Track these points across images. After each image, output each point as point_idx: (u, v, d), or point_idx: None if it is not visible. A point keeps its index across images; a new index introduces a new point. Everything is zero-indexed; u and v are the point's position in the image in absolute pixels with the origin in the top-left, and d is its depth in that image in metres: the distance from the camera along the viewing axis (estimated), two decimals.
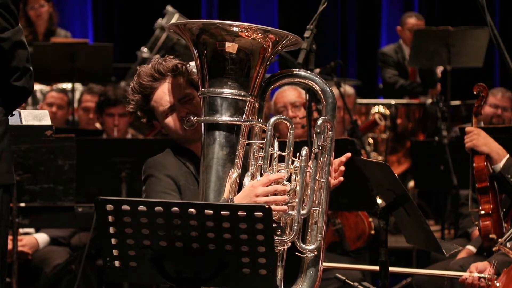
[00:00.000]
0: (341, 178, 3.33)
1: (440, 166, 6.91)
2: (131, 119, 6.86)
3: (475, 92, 4.60)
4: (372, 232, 5.76)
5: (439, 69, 9.35)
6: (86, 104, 7.37)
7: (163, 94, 3.44)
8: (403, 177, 8.47)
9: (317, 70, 6.05)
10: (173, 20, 8.37)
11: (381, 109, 8.83)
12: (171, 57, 3.52)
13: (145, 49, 8.36)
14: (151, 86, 3.45)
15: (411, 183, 8.25)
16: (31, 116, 4.46)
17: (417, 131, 9.06)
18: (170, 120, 3.45)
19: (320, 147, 3.19)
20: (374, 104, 8.99)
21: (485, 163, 4.58)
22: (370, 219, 5.71)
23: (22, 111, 4.47)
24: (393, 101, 8.97)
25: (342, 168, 3.32)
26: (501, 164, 4.56)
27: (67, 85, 8.38)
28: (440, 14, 11.06)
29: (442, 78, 9.22)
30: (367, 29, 11.36)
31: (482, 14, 3.64)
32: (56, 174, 4.92)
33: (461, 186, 6.45)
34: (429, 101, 9.04)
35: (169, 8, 8.54)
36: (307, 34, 4.34)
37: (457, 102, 8.92)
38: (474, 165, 4.61)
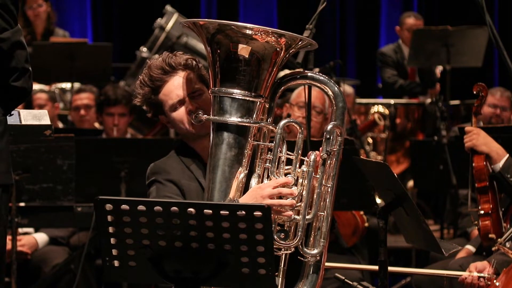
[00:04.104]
0: None
1: (439, 166, 6.91)
2: (130, 119, 6.86)
3: (474, 92, 4.60)
4: (366, 225, 5.76)
5: (438, 69, 9.35)
6: (75, 103, 7.34)
7: (173, 88, 3.43)
8: (402, 176, 8.47)
9: (316, 69, 6.03)
10: (172, 20, 8.36)
11: (380, 108, 8.82)
12: (181, 52, 3.52)
13: (144, 49, 8.35)
14: (161, 79, 3.44)
15: (410, 183, 8.25)
16: (30, 116, 4.46)
17: (416, 130, 9.06)
18: (178, 114, 3.43)
19: (329, 153, 3.18)
20: (373, 104, 8.99)
21: (484, 163, 4.58)
22: (361, 213, 5.71)
23: (21, 110, 4.47)
24: (392, 101, 8.97)
25: None
26: (500, 164, 4.56)
27: (66, 85, 8.38)
28: (439, 14, 11.07)
29: (441, 78, 9.22)
30: (366, 29, 11.36)
31: (481, 13, 3.64)
32: (55, 173, 4.92)
33: (460, 186, 6.45)
34: (428, 100, 9.04)
35: (168, 7, 8.54)
36: (306, 33, 4.34)
37: (456, 102, 8.92)
38: (473, 164, 4.60)
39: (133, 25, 10.84)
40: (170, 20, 8.37)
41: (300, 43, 3.20)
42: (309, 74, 3.28)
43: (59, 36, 8.65)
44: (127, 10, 11.16)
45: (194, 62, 3.48)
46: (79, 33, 10.83)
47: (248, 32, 3.13)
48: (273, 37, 3.15)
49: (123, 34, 11.09)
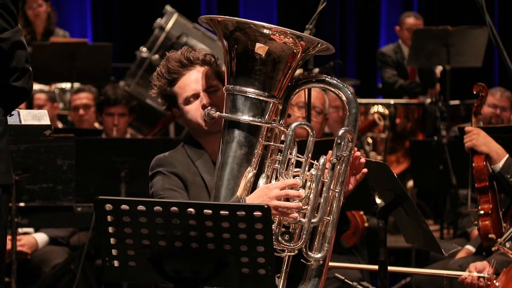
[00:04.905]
0: (365, 170, 3.30)
1: (439, 166, 6.91)
2: (130, 119, 6.86)
3: (474, 92, 4.60)
4: (366, 225, 5.76)
5: (438, 69, 9.35)
6: (74, 103, 7.34)
7: (189, 82, 3.43)
8: (402, 176, 8.46)
9: (316, 70, 6.05)
10: (172, 20, 8.36)
11: (380, 109, 8.82)
12: (200, 48, 3.52)
13: (144, 49, 8.35)
14: (178, 71, 3.44)
15: (410, 183, 8.25)
16: (30, 116, 4.46)
17: (416, 130, 9.06)
18: (191, 108, 3.43)
19: (339, 158, 3.18)
20: (373, 104, 8.98)
21: (484, 163, 4.58)
22: (361, 213, 5.72)
23: (21, 111, 4.47)
24: (392, 101, 8.96)
25: (363, 160, 3.29)
26: (500, 164, 4.56)
27: (66, 85, 8.38)
28: (439, 14, 11.07)
29: (441, 78, 9.22)
30: (366, 29, 11.36)
31: (481, 13, 3.63)
32: (55, 173, 4.92)
33: (460, 186, 6.45)
34: (428, 100, 9.04)
35: (168, 8, 8.54)
36: (305, 33, 4.33)
37: (456, 102, 8.92)
38: (473, 164, 4.60)
39: (133, 25, 10.84)
40: (170, 20, 8.38)
41: (317, 46, 3.20)
42: (325, 78, 3.26)
43: (59, 36, 8.65)
44: (127, 10, 11.16)
45: (212, 58, 3.49)
46: (79, 33, 10.83)
47: (266, 31, 3.13)
48: (291, 39, 3.15)
49: (123, 34, 11.09)
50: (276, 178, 3.17)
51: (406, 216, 3.57)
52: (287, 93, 3.25)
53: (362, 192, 4.94)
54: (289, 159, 3.18)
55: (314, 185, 3.15)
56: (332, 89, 3.26)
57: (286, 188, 3.11)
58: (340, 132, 3.19)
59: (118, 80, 8.63)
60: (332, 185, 3.18)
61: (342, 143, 3.18)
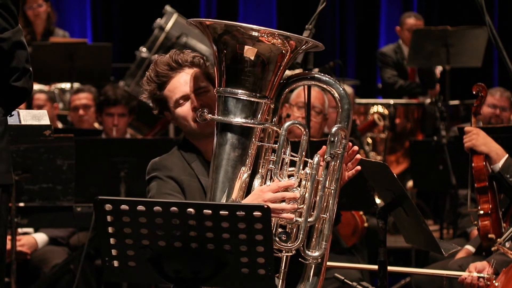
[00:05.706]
0: (358, 168, 3.29)
1: (439, 166, 6.91)
2: (130, 119, 6.86)
3: (474, 92, 4.60)
4: (365, 225, 5.76)
5: (438, 69, 9.35)
6: (74, 103, 7.34)
7: (179, 84, 3.43)
8: (402, 177, 8.47)
9: (316, 70, 6.04)
10: (172, 20, 8.37)
11: (380, 109, 8.83)
12: (189, 50, 3.52)
13: (144, 49, 8.35)
14: (166, 75, 3.44)
15: (410, 183, 8.25)
16: (30, 116, 4.46)
17: (416, 131, 9.06)
18: (182, 111, 3.43)
19: (333, 156, 3.17)
20: (373, 104, 8.99)
21: (484, 163, 4.58)
22: (361, 213, 5.72)
23: (21, 111, 4.47)
24: (392, 101, 8.97)
25: (358, 156, 3.29)
26: (500, 164, 4.56)
27: (66, 85, 8.38)
28: (439, 14, 11.07)
29: (441, 78, 9.22)
30: (366, 29, 11.36)
31: (481, 14, 3.64)
32: (55, 174, 4.92)
33: (460, 186, 6.46)
34: (428, 101, 9.05)
35: (167, 8, 8.54)
36: (306, 34, 4.35)
37: (456, 102, 8.93)
38: (473, 164, 4.61)
39: (133, 25, 10.85)
40: (170, 20, 8.38)
41: (306, 45, 3.20)
42: (315, 75, 3.27)
43: (59, 36, 8.65)
44: (127, 10, 11.17)
45: (201, 60, 3.48)
46: (79, 33, 10.83)
47: (254, 33, 3.12)
48: (279, 39, 3.15)
49: (123, 34, 11.10)
50: (271, 178, 3.17)
51: (405, 216, 3.57)
52: (278, 92, 3.25)
53: (362, 192, 4.96)
54: (283, 158, 3.17)
55: (309, 184, 3.14)
56: (324, 86, 3.25)
57: (281, 190, 3.11)
58: (333, 130, 3.18)
59: (118, 80, 8.63)
60: (327, 183, 3.17)
61: (336, 140, 3.18)
